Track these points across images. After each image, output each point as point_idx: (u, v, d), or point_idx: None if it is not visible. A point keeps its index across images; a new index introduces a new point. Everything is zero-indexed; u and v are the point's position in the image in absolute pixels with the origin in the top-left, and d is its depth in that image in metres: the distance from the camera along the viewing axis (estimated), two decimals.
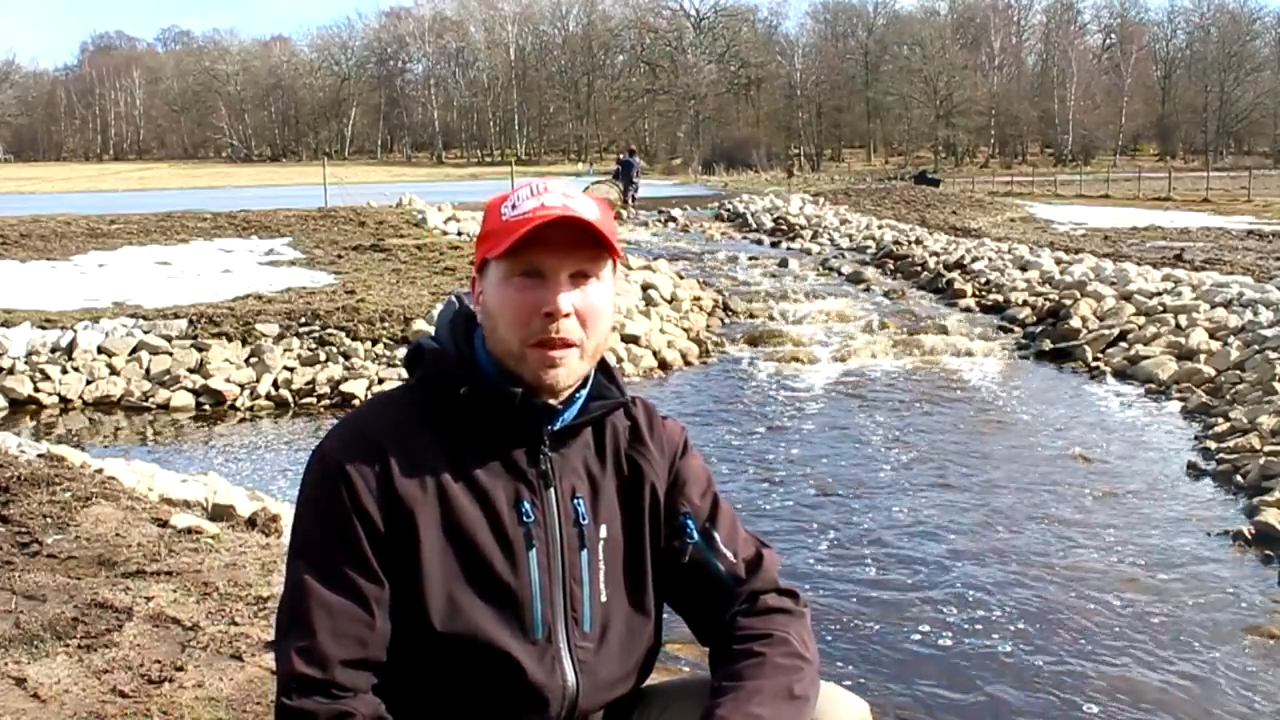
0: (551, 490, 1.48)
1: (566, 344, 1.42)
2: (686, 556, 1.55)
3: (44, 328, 9.69)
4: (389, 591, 1.39)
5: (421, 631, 1.40)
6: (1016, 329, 12.02)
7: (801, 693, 1.44)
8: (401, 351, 9.13)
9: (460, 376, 1.46)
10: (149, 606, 3.36)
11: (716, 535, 1.56)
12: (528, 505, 1.45)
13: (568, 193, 1.45)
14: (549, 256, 1.41)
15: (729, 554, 1.56)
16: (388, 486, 1.40)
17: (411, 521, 1.40)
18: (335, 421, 1.62)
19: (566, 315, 1.41)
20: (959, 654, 4.26)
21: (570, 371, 1.45)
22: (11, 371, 9.00)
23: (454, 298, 1.57)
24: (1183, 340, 9.92)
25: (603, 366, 1.54)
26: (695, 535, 1.56)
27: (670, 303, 12.53)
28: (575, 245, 1.42)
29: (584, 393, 1.51)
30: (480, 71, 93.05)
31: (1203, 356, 9.43)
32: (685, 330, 11.52)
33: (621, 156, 30.12)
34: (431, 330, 1.59)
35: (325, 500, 1.41)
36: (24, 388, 8.81)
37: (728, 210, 29.74)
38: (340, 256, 14.94)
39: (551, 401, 1.47)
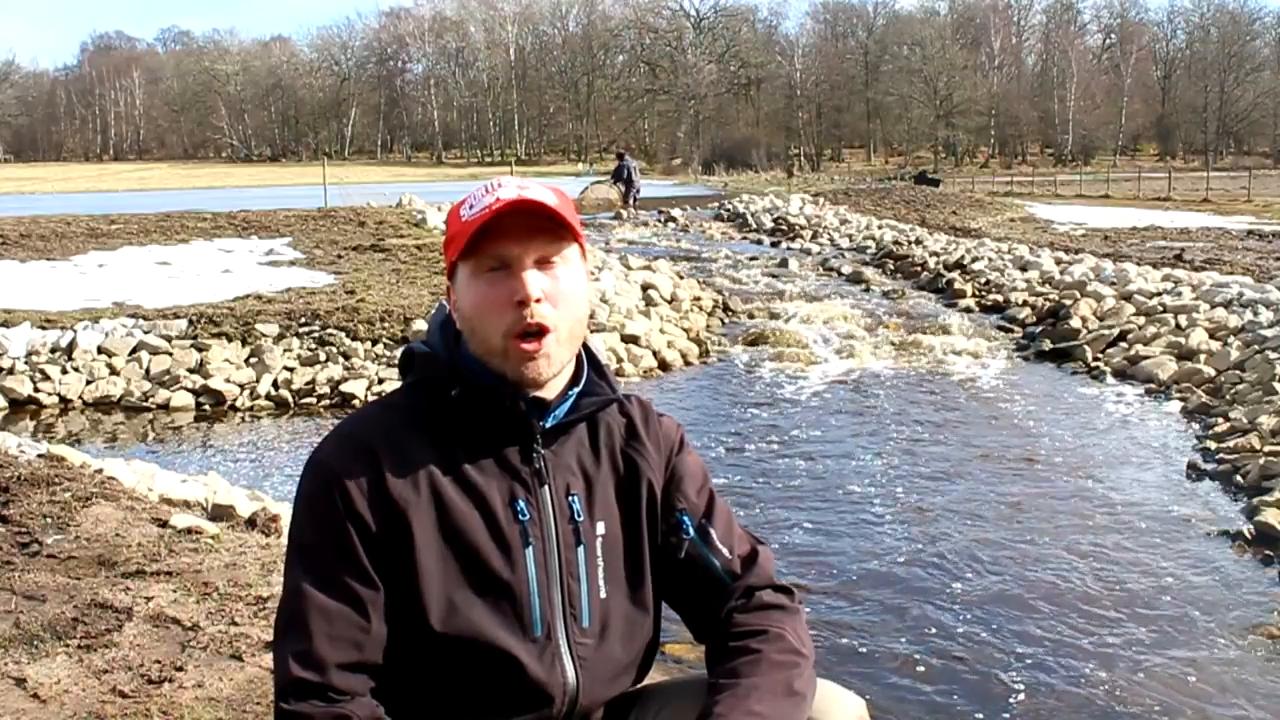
0: (546, 488, 1.48)
1: (542, 330, 1.43)
2: (683, 553, 1.56)
3: (44, 328, 9.69)
4: (384, 595, 1.40)
5: (421, 632, 1.40)
6: (1016, 329, 12.02)
7: (799, 689, 1.45)
8: (401, 351, 9.13)
9: (450, 378, 1.47)
10: (149, 606, 3.36)
11: (712, 531, 1.57)
12: (523, 503, 1.46)
13: (522, 184, 1.46)
14: (511, 245, 1.43)
15: (725, 550, 1.56)
16: (381, 490, 1.41)
17: (405, 524, 1.40)
18: (335, 421, 1.62)
19: (538, 300, 1.42)
20: (957, 653, 4.26)
21: (551, 360, 1.45)
22: (11, 371, 8.99)
23: (445, 301, 1.58)
24: (1183, 340, 9.92)
25: (594, 365, 1.55)
26: (691, 531, 1.56)
27: (670, 303, 12.53)
28: (535, 232, 1.43)
29: (575, 390, 1.51)
30: (480, 71, 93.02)
31: (1203, 356, 9.43)
32: (685, 330, 11.52)
33: (621, 161, 30.17)
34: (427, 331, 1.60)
35: (319, 506, 1.42)
36: (24, 388, 8.81)
37: (728, 210, 29.74)
38: (340, 256, 14.93)
39: (541, 395, 1.47)
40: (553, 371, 1.47)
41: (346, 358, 9.31)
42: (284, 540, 4.19)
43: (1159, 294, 11.79)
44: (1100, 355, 10.42)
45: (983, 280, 14.39)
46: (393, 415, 1.49)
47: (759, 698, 1.41)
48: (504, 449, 1.47)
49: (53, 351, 9.32)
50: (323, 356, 9.29)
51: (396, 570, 1.41)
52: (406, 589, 1.40)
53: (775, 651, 1.47)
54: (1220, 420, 7.73)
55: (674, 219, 26.29)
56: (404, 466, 1.43)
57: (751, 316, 12.88)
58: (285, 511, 4.66)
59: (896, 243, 19.06)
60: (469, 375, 1.47)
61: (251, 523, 4.55)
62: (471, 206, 1.46)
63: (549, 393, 1.49)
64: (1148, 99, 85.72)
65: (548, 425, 1.49)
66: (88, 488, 4.57)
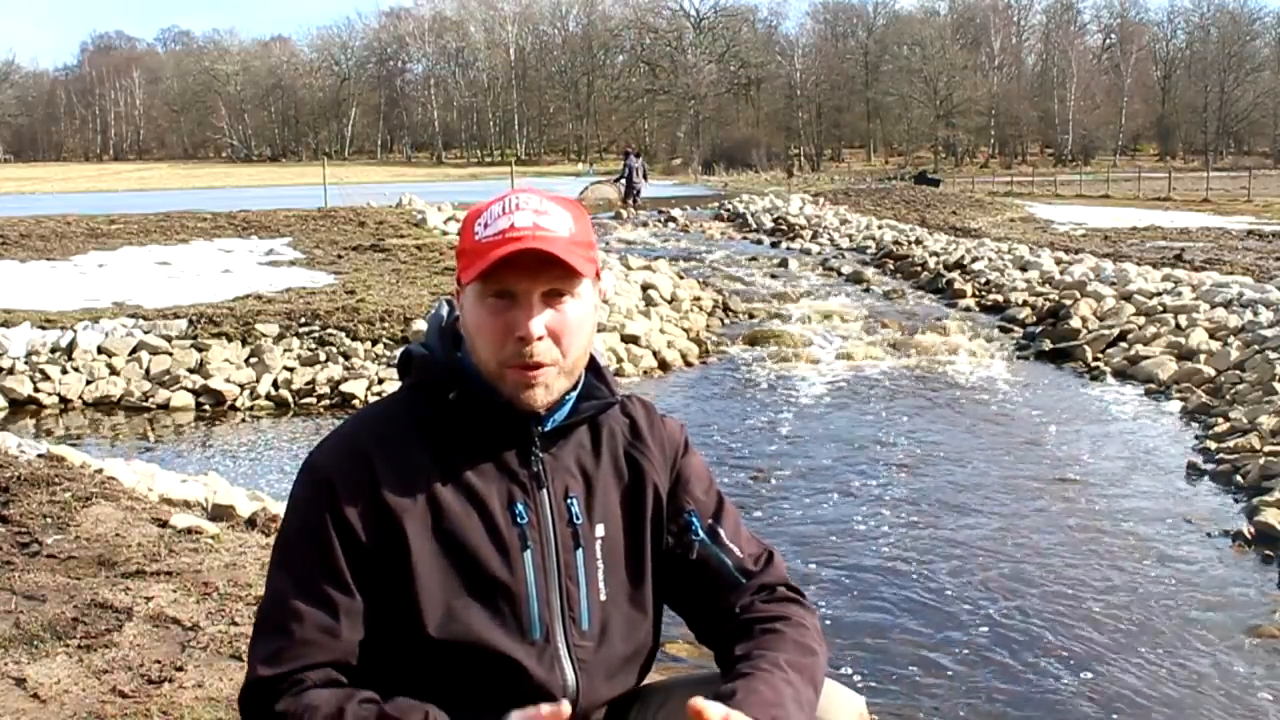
0: (544, 491, 1.48)
1: (540, 365, 1.42)
2: (694, 553, 1.55)
3: (44, 328, 9.69)
4: (368, 603, 1.41)
5: (419, 637, 1.41)
6: (1016, 329, 12.02)
7: (819, 680, 1.45)
8: (400, 353, 9.13)
9: (448, 382, 1.47)
10: (149, 606, 3.36)
11: (721, 531, 1.56)
12: (521, 507, 1.46)
13: (539, 208, 1.43)
14: (520, 279, 1.40)
15: (735, 549, 1.56)
16: (374, 496, 1.41)
17: (400, 529, 1.40)
18: (335, 422, 1.63)
19: (540, 339, 1.41)
20: (957, 653, 4.26)
21: (549, 390, 1.44)
22: (11, 371, 8.99)
23: (444, 301, 1.58)
24: (1183, 340, 9.92)
25: (593, 366, 1.54)
26: (701, 532, 1.56)
27: (670, 303, 12.53)
28: (546, 266, 1.40)
29: (574, 394, 1.51)
30: (480, 71, 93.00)
31: (1203, 356, 9.43)
32: (685, 330, 11.52)
33: (626, 159, 30.27)
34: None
35: (307, 511, 1.43)
36: (24, 388, 8.81)
37: (728, 210, 29.72)
38: (340, 256, 14.93)
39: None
40: (550, 399, 1.45)
41: (346, 358, 9.31)
42: None
43: (1159, 294, 11.79)
44: (1100, 355, 10.42)
45: (983, 280, 14.39)
46: (390, 419, 1.49)
47: (785, 678, 1.39)
48: (502, 452, 1.47)
49: (53, 351, 9.32)
50: (323, 356, 9.29)
51: (391, 577, 1.41)
52: (403, 595, 1.40)
53: (798, 637, 1.47)
54: (1220, 420, 7.73)
55: (674, 219, 26.29)
56: (400, 472, 1.43)
57: (751, 316, 12.89)
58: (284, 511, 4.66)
59: (896, 243, 19.05)
60: (467, 379, 1.47)
61: (251, 523, 4.55)
62: (486, 225, 1.43)
63: (541, 412, 1.48)
64: (1148, 99, 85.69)
65: (546, 429, 1.49)
66: (88, 488, 4.57)
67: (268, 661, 1.37)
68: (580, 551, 1.49)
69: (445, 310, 1.56)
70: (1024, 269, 14.61)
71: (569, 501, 1.49)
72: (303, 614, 1.38)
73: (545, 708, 1.30)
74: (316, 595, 1.39)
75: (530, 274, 1.40)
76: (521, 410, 1.45)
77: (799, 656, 1.43)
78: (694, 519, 1.56)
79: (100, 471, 5.02)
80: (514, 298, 1.41)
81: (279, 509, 4.73)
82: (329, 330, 9.66)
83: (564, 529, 1.48)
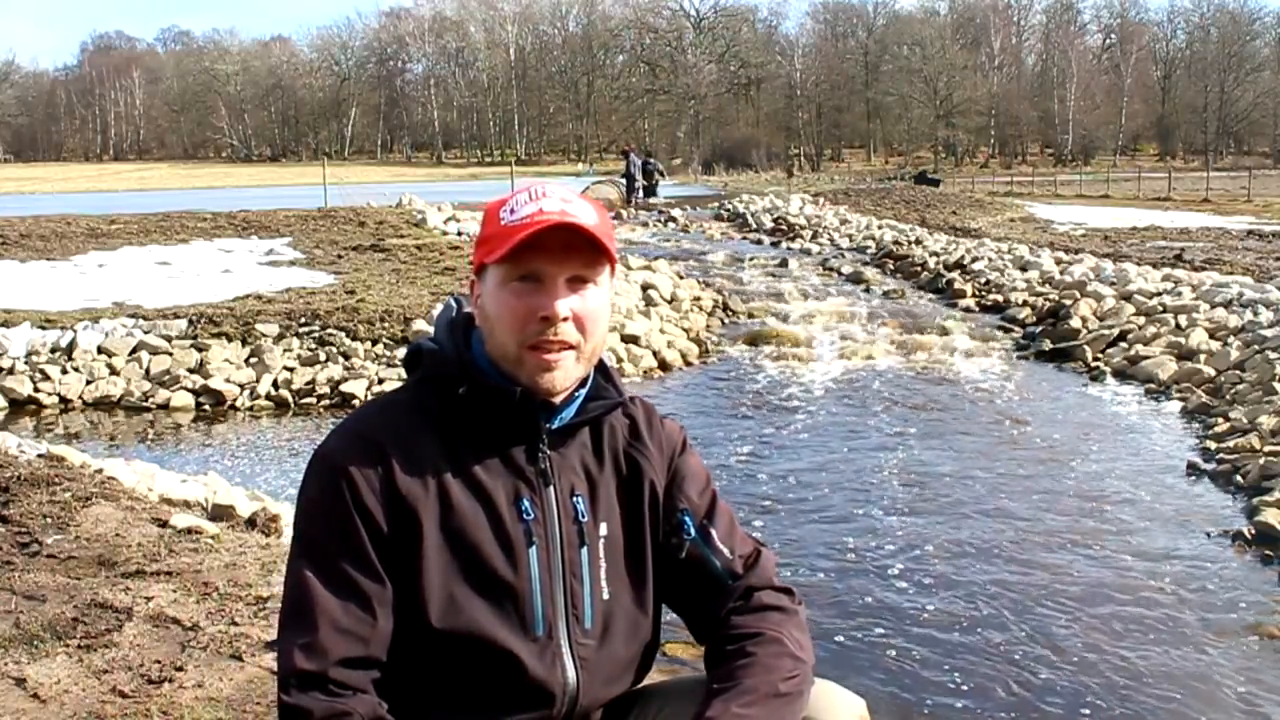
0: (551, 488, 1.49)
1: (564, 346, 1.44)
2: (684, 553, 1.56)
3: (44, 328, 9.69)
4: (391, 591, 1.41)
5: (422, 628, 1.41)
6: (1016, 329, 12.01)
7: (792, 691, 1.45)
8: (401, 351, 9.13)
9: (458, 376, 1.47)
10: (149, 606, 3.36)
11: (713, 532, 1.58)
12: (527, 503, 1.47)
13: (566, 197, 1.47)
14: (546, 262, 1.43)
15: (726, 550, 1.57)
16: (389, 485, 1.41)
17: (414, 519, 1.41)
18: (335, 421, 1.63)
19: (565, 320, 1.43)
20: (958, 654, 4.26)
21: (567, 374, 1.46)
22: (11, 371, 8.99)
23: (453, 299, 1.59)
24: (1183, 340, 9.92)
25: (600, 367, 1.56)
26: (693, 532, 1.57)
27: (670, 303, 12.53)
28: (572, 251, 1.43)
29: (582, 392, 1.52)
30: (480, 71, 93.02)
31: (1203, 356, 9.43)
32: (685, 330, 11.52)
33: (627, 157, 30.29)
34: (431, 331, 1.61)
35: (327, 500, 1.42)
36: (24, 388, 8.81)
37: (728, 210, 29.70)
38: (340, 256, 14.93)
39: (549, 399, 1.48)
40: (567, 385, 1.48)
41: (346, 358, 9.31)
42: (284, 540, 4.19)
43: (1159, 294, 11.79)
44: (1100, 355, 10.42)
45: (983, 280, 14.39)
46: (399, 412, 1.49)
47: (751, 701, 1.41)
48: (510, 449, 1.48)
49: (53, 351, 9.32)
50: (323, 356, 9.29)
51: (401, 566, 1.41)
52: (410, 585, 1.41)
53: (770, 655, 1.47)
54: (1220, 420, 7.73)
55: (674, 219, 26.27)
56: (412, 463, 1.43)
57: (751, 316, 12.88)
58: (285, 511, 4.66)
59: (896, 243, 19.04)
60: (478, 374, 1.47)
61: (251, 523, 4.55)
62: (513, 211, 1.45)
63: (557, 398, 1.49)
64: (1148, 99, 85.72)
65: (554, 426, 1.50)
66: (88, 488, 4.57)
67: (305, 652, 1.36)
68: (585, 549, 1.49)
69: (455, 306, 1.57)
70: (1024, 269, 14.61)
71: (574, 499, 1.50)
72: (335, 604, 1.38)
73: None
74: (348, 585, 1.39)
75: (557, 258, 1.43)
76: (539, 394, 1.46)
77: (768, 678, 1.44)
78: (687, 518, 1.57)
79: (100, 471, 5.02)
80: (539, 281, 1.43)
81: (279, 509, 4.73)
82: (329, 330, 9.66)
83: (569, 526, 1.49)
